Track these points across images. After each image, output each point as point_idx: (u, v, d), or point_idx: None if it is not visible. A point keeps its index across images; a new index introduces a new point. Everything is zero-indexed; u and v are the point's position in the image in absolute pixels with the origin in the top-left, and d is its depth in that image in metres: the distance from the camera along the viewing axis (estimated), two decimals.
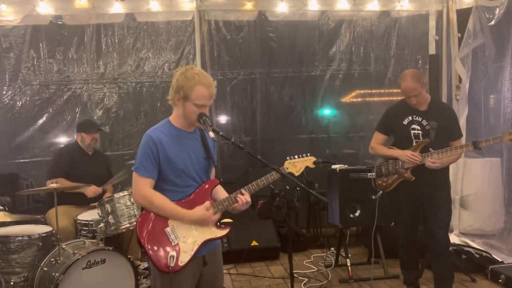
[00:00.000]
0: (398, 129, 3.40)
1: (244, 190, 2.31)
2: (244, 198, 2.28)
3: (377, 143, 3.51)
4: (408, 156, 3.25)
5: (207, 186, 2.34)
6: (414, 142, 3.32)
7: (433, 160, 3.18)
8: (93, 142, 4.16)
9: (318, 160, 2.48)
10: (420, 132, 3.30)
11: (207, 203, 2.28)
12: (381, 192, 3.61)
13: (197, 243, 2.24)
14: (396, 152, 3.36)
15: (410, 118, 3.34)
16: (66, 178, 3.94)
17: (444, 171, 3.38)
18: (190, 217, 2.23)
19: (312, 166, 2.47)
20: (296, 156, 2.44)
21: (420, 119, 3.32)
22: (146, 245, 2.16)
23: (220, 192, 2.41)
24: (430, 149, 3.21)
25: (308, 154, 2.46)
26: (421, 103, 3.32)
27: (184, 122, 2.29)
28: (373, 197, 4.10)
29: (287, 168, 2.41)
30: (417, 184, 3.31)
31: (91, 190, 3.97)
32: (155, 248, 2.17)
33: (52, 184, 3.34)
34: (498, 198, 4.75)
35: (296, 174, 2.41)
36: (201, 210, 2.25)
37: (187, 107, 2.22)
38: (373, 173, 3.56)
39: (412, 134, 3.33)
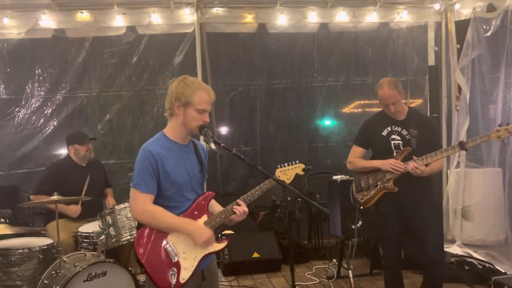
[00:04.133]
0: (377, 140, 3.27)
1: (240, 200, 2.29)
2: (241, 208, 2.26)
3: (356, 157, 3.38)
4: (391, 164, 3.12)
5: (203, 199, 2.32)
6: (395, 153, 3.20)
7: (416, 165, 3.03)
8: (88, 152, 4.13)
9: (307, 167, 2.48)
10: (400, 142, 3.20)
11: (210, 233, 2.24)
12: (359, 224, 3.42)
13: (197, 258, 2.22)
14: (377, 162, 3.21)
15: (389, 128, 3.23)
16: (62, 195, 3.72)
17: (427, 181, 3.25)
18: (193, 228, 2.19)
19: (301, 173, 2.46)
20: (286, 164, 2.44)
21: (399, 129, 3.22)
22: (146, 263, 2.11)
23: (214, 206, 2.40)
24: (414, 156, 3.09)
25: (297, 162, 2.46)
26: (400, 111, 3.22)
27: (181, 133, 2.26)
28: (353, 226, 4.07)
29: (278, 177, 2.39)
30: (402, 196, 3.17)
31: (72, 210, 3.90)
32: (155, 266, 2.13)
33: (53, 197, 3.33)
34: (499, 209, 4.74)
35: (287, 182, 2.40)
36: (205, 229, 2.21)
37: (188, 113, 2.19)
38: (352, 189, 3.40)
39: (393, 145, 3.21)
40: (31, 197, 3.96)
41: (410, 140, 3.17)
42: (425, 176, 3.16)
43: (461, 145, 3.03)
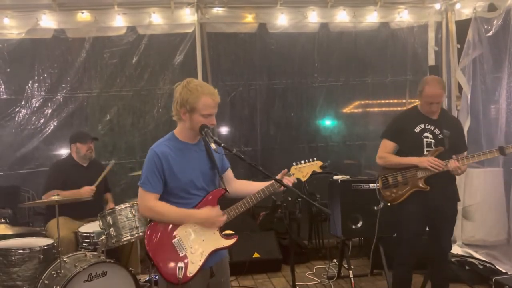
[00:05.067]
0: (409, 136, 3.25)
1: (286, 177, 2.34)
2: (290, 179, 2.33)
3: (387, 152, 3.31)
4: (430, 162, 3.09)
5: (212, 195, 2.34)
6: (425, 151, 3.19)
7: (459, 165, 3.06)
8: (89, 152, 4.15)
9: (325, 164, 2.41)
10: (432, 140, 3.20)
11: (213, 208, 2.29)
12: (382, 204, 3.50)
13: (205, 253, 2.25)
14: (415, 160, 3.15)
15: (422, 125, 3.23)
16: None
17: (453, 181, 3.30)
18: (197, 216, 2.25)
19: (319, 170, 2.40)
20: (302, 161, 2.39)
21: (432, 127, 3.23)
22: (154, 257, 2.18)
23: (251, 185, 2.43)
24: (454, 156, 3.12)
25: (315, 159, 2.40)
26: (437, 111, 3.24)
27: (190, 135, 2.31)
28: (375, 207, 4.04)
29: (293, 174, 2.36)
30: (431, 195, 3.16)
31: (86, 191, 3.93)
32: (163, 259, 2.18)
33: (53, 196, 3.34)
34: (500, 209, 4.74)
35: (303, 179, 2.37)
36: (208, 210, 2.27)
37: (194, 119, 2.23)
38: (378, 184, 3.36)
39: (425, 143, 3.21)
40: (43, 197, 3.95)
41: (442, 139, 3.19)
42: (452, 176, 3.21)
43: (501, 150, 3.09)
